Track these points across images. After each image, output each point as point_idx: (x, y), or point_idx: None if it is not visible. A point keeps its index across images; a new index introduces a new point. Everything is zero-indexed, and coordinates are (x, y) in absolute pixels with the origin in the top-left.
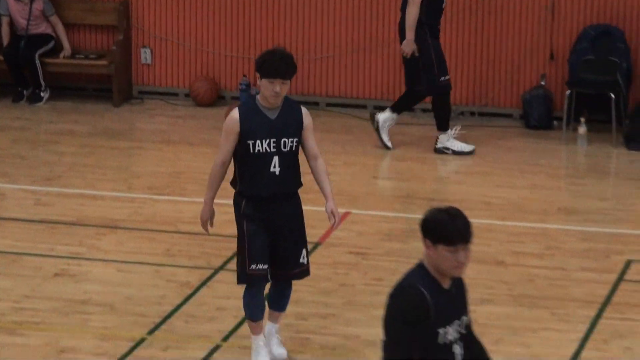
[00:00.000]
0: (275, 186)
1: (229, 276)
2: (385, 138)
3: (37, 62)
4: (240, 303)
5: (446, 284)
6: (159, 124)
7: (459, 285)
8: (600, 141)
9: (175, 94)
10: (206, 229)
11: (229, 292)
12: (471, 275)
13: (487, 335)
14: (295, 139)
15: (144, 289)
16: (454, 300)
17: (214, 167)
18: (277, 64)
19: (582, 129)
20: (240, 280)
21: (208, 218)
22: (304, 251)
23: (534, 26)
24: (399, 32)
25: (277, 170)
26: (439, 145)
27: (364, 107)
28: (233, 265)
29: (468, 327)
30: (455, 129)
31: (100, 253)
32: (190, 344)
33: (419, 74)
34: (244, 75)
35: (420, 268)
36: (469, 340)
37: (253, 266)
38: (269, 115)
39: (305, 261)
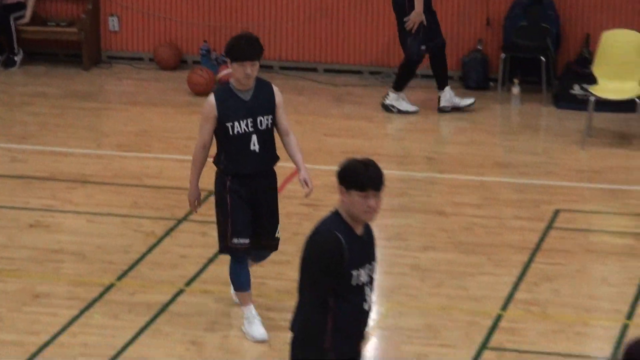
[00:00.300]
0: (256, 163)
1: (191, 226)
2: (409, 108)
3: (13, 29)
4: (201, 251)
5: (359, 230)
6: (125, 87)
7: (369, 234)
8: (532, 101)
9: (141, 59)
10: (194, 209)
11: (191, 241)
12: (415, 224)
13: (429, 279)
14: (270, 117)
15: (112, 238)
16: (365, 246)
17: (196, 150)
18: (245, 47)
19: (515, 90)
20: (221, 251)
21: (195, 199)
22: (278, 226)
23: None
24: (394, 4)
25: (256, 148)
26: (387, 101)
27: (314, 70)
28: (195, 216)
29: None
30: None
31: (72, 205)
32: (155, 289)
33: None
34: (205, 41)
35: (335, 215)
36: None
37: (235, 240)
38: (243, 97)
39: (279, 236)
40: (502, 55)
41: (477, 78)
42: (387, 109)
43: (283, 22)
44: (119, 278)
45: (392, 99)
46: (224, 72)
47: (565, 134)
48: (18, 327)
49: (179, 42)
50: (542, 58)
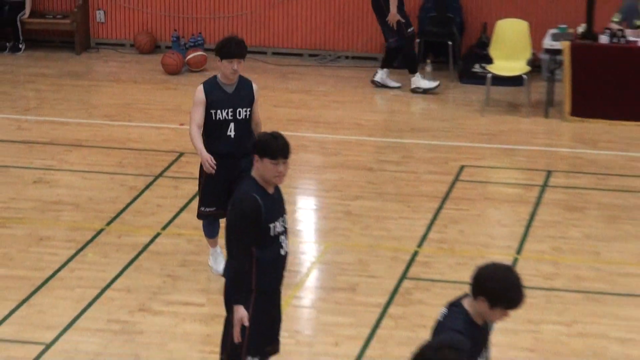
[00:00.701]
0: (230, 147)
1: (166, 181)
2: (392, 85)
3: (18, 22)
4: (175, 201)
5: (270, 190)
6: (110, 68)
7: (279, 193)
8: (442, 77)
9: (123, 45)
10: (212, 166)
11: (167, 194)
12: (347, 178)
13: (359, 222)
14: (248, 109)
15: (102, 191)
16: (276, 203)
17: (192, 131)
18: (234, 47)
19: (428, 68)
20: (197, 216)
21: (207, 157)
22: None
23: None
24: (375, 8)
25: (232, 134)
26: (414, 85)
27: (264, 53)
28: (169, 172)
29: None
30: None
31: (68, 165)
32: (137, 232)
33: (392, 31)
34: (175, 30)
35: (251, 179)
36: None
37: (203, 208)
38: (227, 90)
39: None
40: (417, 40)
41: (398, 59)
42: (376, 84)
43: (238, 14)
44: (108, 224)
45: (416, 81)
46: (190, 55)
47: (468, 104)
48: (26, 265)
49: (154, 31)
50: (449, 42)
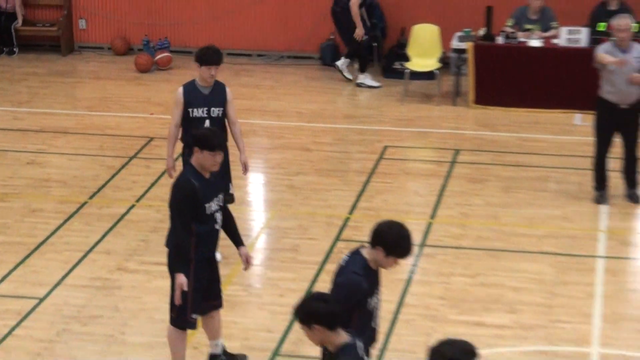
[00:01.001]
0: None
1: (139, 162)
2: (369, 82)
3: (12, 30)
4: (147, 178)
5: (207, 175)
6: (91, 67)
7: (215, 177)
8: (369, 73)
9: (102, 48)
10: (170, 174)
11: (139, 172)
12: (289, 157)
13: (300, 194)
14: (221, 109)
15: (85, 170)
16: (212, 186)
17: (170, 129)
18: (212, 55)
19: (356, 66)
20: None
21: (171, 167)
22: (230, 186)
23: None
24: (333, 16)
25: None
26: (358, 81)
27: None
28: (141, 154)
29: (224, 202)
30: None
31: (56, 149)
32: (116, 204)
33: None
34: (145, 35)
35: (190, 166)
36: (224, 210)
37: None
38: (203, 91)
39: (232, 192)
40: (374, 44)
41: (331, 58)
42: (359, 85)
43: (196, 21)
44: (90, 197)
45: (361, 77)
46: (159, 56)
47: (390, 95)
48: (21, 232)
49: (127, 36)
50: (374, 44)
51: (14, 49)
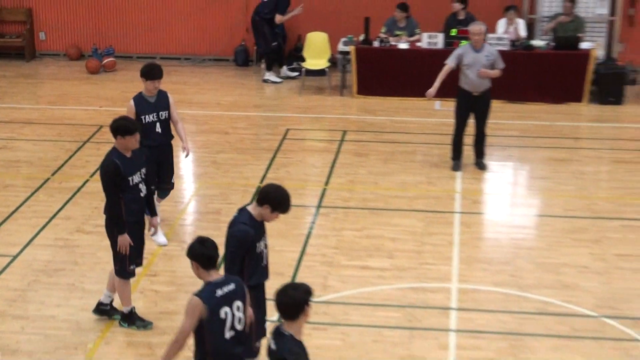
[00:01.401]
0: (159, 139)
1: (91, 145)
2: (274, 79)
3: None
4: (97, 158)
5: (128, 154)
6: (50, 70)
7: (136, 155)
8: (273, 71)
9: (58, 55)
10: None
11: (93, 153)
12: (212, 139)
13: (221, 168)
14: (166, 112)
15: (48, 153)
16: (133, 162)
17: None
18: (156, 71)
19: (263, 66)
20: None
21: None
22: (172, 176)
23: (239, 12)
24: (253, 23)
25: (159, 130)
26: (265, 77)
27: (154, 57)
28: (93, 139)
29: (165, 190)
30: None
31: (24, 136)
32: (73, 179)
33: (266, 45)
34: (94, 44)
35: (113, 150)
36: (147, 184)
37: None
38: (150, 100)
39: (173, 182)
40: (255, 47)
41: (243, 60)
42: (265, 81)
43: (135, 32)
44: (53, 174)
45: (268, 75)
46: (105, 61)
47: (291, 88)
48: None
49: (79, 45)
50: (278, 47)
51: None
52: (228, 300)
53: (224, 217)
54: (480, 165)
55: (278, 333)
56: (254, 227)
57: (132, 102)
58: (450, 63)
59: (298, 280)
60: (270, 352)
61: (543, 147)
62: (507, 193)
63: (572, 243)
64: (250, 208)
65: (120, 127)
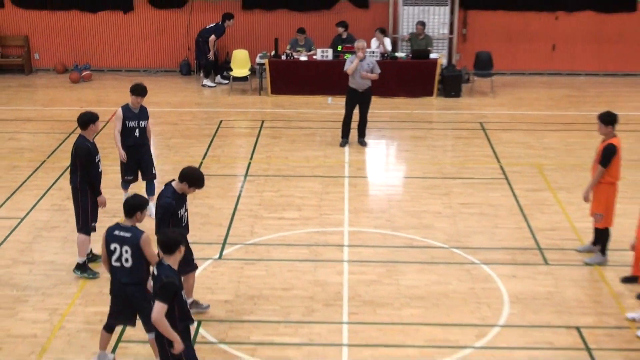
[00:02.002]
0: (135, 141)
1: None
2: (210, 84)
3: None
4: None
5: (91, 138)
6: (43, 81)
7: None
8: (209, 78)
9: (49, 70)
10: (123, 157)
11: None
12: (165, 129)
13: (172, 150)
14: (145, 121)
15: (43, 142)
16: (95, 146)
17: (115, 133)
18: (141, 90)
19: (202, 74)
20: (122, 185)
21: (122, 153)
22: (153, 167)
23: (182, 37)
24: (196, 43)
25: (137, 134)
26: (203, 83)
27: (120, 70)
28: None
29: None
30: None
31: (26, 130)
32: (63, 161)
33: (205, 59)
34: (75, 62)
35: (82, 136)
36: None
37: (126, 177)
38: (134, 111)
39: (155, 172)
40: (196, 61)
41: (186, 70)
42: (204, 86)
43: (106, 51)
44: (48, 157)
45: (205, 81)
46: (84, 73)
47: (223, 90)
48: (8, 180)
49: (64, 62)
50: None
51: None
52: (120, 240)
53: None
54: (362, 142)
55: (160, 263)
56: (176, 199)
57: (120, 110)
58: (349, 69)
59: (233, 228)
60: (154, 276)
61: (406, 128)
62: (382, 162)
63: (428, 196)
64: (174, 184)
65: (88, 118)
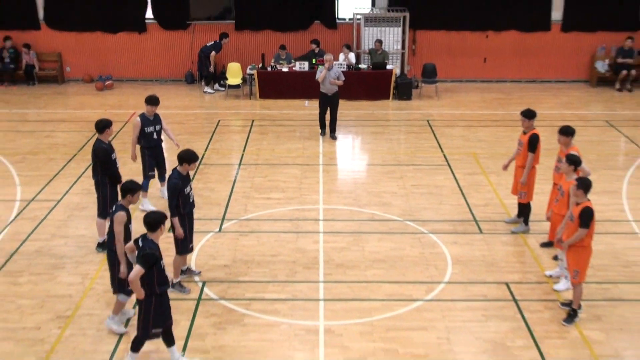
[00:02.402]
0: (154, 142)
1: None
2: (210, 91)
3: (33, 73)
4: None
5: (107, 141)
6: (74, 90)
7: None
8: (209, 86)
9: (78, 80)
10: (133, 159)
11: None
12: (174, 127)
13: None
14: (159, 126)
15: (74, 138)
16: (111, 146)
17: (133, 139)
18: (155, 100)
19: (203, 83)
20: (143, 186)
21: (134, 156)
22: (165, 169)
23: (187, 52)
24: (199, 57)
25: (155, 137)
26: (205, 90)
27: (136, 80)
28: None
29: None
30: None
31: (60, 129)
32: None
33: (206, 70)
34: (99, 73)
35: (99, 140)
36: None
37: (150, 173)
38: (149, 118)
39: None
40: (198, 72)
41: (190, 80)
42: (205, 92)
43: (124, 64)
44: (78, 151)
45: (206, 89)
46: (107, 82)
47: (220, 96)
48: (46, 169)
49: (90, 73)
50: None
51: (34, 82)
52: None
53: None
54: (333, 137)
55: (144, 237)
56: (181, 179)
57: (138, 118)
58: (320, 77)
59: (230, 207)
60: (138, 247)
61: (368, 126)
62: (349, 152)
63: (387, 179)
64: (178, 168)
65: (108, 123)
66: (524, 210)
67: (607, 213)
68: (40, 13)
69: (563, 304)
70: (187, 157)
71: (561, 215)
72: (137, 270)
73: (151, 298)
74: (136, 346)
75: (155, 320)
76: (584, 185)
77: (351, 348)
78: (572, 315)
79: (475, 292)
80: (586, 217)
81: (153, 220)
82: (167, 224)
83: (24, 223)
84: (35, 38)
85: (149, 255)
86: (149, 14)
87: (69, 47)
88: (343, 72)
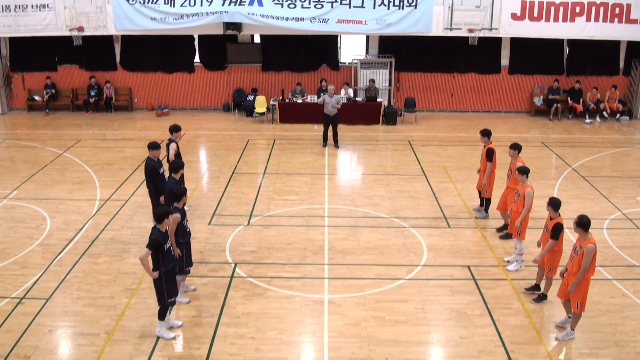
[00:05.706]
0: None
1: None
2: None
3: (111, 104)
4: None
5: (155, 158)
6: (140, 116)
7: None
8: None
9: (143, 109)
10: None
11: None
12: (212, 145)
13: (218, 156)
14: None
15: (139, 153)
16: (160, 163)
17: (170, 158)
18: (178, 128)
19: (236, 111)
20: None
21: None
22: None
23: (224, 85)
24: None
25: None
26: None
27: (185, 109)
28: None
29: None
30: None
31: (128, 145)
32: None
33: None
34: (159, 103)
35: (149, 158)
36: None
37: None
38: (176, 141)
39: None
40: (233, 103)
41: (226, 109)
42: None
43: (177, 95)
44: (142, 163)
45: (237, 115)
46: (164, 110)
47: (249, 121)
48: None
49: (152, 103)
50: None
51: (112, 110)
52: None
53: (222, 179)
54: (336, 146)
55: (154, 227)
56: (176, 184)
57: (175, 144)
58: (319, 101)
59: (256, 208)
60: (150, 235)
61: (362, 144)
62: (348, 165)
63: (377, 185)
64: (173, 175)
65: (156, 145)
66: (486, 203)
67: (543, 213)
68: (117, 58)
69: (527, 289)
70: (174, 166)
71: (518, 212)
72: (145, 252)
73: (161, 276)
74: (162, 315)
75: (168, 292)
76: (554, 203)
77: (348, 315)
78: (541, 297)
79: (444, 273)
80: (557, 231)
81: (158, 215)
82: (171, 217)
83: (102, 217)
84: (113, 77)
85: (154, 241)
86: (197, 58)
87: (137, 83)
88: (343, 103)
